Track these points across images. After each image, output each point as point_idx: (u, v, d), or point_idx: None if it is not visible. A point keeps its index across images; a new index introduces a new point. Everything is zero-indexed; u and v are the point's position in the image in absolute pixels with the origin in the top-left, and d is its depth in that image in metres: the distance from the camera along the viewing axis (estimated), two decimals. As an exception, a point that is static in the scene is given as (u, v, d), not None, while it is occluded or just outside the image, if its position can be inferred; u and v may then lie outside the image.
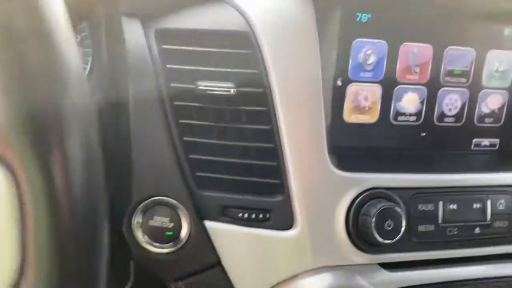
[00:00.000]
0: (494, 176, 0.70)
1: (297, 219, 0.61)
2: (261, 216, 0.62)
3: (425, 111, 0.74)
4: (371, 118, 0.72)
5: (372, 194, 0.62)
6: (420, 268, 0.67)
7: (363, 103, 0.71)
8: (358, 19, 0.67)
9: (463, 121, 0.77)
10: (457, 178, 0.68)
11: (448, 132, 0.76)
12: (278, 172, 0.62)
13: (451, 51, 0.73)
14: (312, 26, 0.61)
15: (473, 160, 0.77)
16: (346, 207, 0.62)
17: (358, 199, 0.62)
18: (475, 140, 0.78)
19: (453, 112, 0.76)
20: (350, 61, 0.68)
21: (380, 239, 0.60)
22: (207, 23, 0.63)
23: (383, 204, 0.60)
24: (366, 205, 0.61)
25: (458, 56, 0.73)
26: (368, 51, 0.69)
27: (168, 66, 0.62)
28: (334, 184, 0.62)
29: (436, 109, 0.75)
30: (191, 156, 0.63)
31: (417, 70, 0.72)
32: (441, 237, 0.66)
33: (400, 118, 0.73)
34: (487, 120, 0.78)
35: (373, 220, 0.60)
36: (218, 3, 0.64)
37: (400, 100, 0.72)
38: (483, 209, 0.68)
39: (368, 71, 0.70)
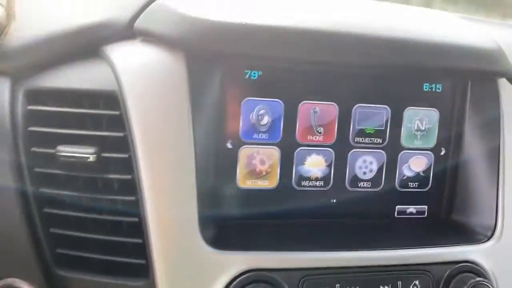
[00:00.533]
0: (410, 253, 0.61)
1: (162, 305, 0.53)
2: (125, 301, 0.54)
3: (334, 175, 0.66)
4: (269, 183, 0.64)
5: (251, 278, 0.54)
6: None
7: (259, 167, 0.64)
8: (247, 76, 0.61)
9: (381, 186, 0.68)
10: (361, 255, 0.59)
11: (365, 199, 0.68)
12: (143, 251, 0.54)
13: (361, 109, 0.66)
14: (184, 85, 0.56)
15: (395, 230, 0.68)
16: (219, 293, 0.53)
17: (234, 283, 0.53)
18: (398, 207, 0.70)
19: (369, 176, 0.68)
20: (241, 121, 0.62)
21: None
22: (77, 82, 0.58)
23: (257, 290, 0.52)
24: (241, 292, 0.53)
25: (370, 115, 0.66)
26: (261, 110, 0.62)
27: (29, 129, 0.57)
28: (206, 266, 0.54)
29: (347, 173, 0.67)
30: (51, 230, 0.56)
31: (321, 130, 0.65)
32: (339, 327, 0.56)
33: (304, 183, 0.65)
34: (411, 184, 0.69)
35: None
36: (94, 60, 0.59)
37: (302, 164, 0.65)
38: (391, 293, 0.59)
39: (263, 132, 0.63)
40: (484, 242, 0.64)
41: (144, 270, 0.55)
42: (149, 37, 0.58)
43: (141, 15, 0.59)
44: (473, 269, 0.61)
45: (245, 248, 0.56)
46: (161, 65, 0.56)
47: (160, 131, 0.54)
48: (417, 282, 0.59)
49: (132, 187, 0.54)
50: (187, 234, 0.54)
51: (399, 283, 0.59)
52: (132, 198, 0.55)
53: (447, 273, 0.60)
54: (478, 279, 0.59)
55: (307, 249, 0.57)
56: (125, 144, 0.55)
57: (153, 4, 0.60)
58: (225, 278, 0.53)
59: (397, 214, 0.70)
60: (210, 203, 0.60)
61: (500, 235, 0.64)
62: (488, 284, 0.59)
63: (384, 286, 0.58)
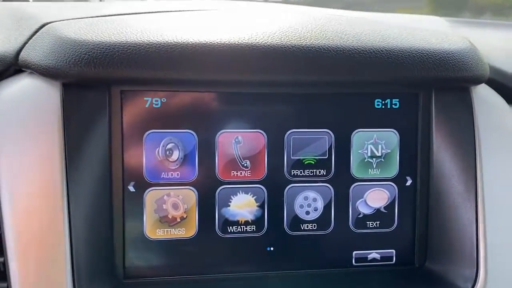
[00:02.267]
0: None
1: None
2: None
3: (269, 218, 0.54)
4: (186, 232, 0.53)
5: None
6: None
7: (171, 213, 0.53)
8: (147, 105, 0.52)
9: (331, 228, 0.55)
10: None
11: (311, 245, 0.55)
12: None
13: (295, 135, 0.54)
14: (55, 120, 0.47)
15: (351, 283, 0.54)
16: None
17: None
18: (356, 253, 0.56)
19: (314, 216, 0.55)
20: (144, 159, 0.52)
21: None
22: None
23: None
24: None
25: (307, 142, 0.54)
26: (169, 144, 0.52)
27: None
28: None
29: (285, 214, 0.55)
30: None
31: (247, 164, 0.54)
32: None
33: (231, 228, 0.54)
34: (370, 224, 0.56)
35: None
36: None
37: (227, 205, 0.54)
38: None
39: (174, 170, 0.52)
40: (460, 298, 0.50)
41: None
42: (29, 69, 0.50)
43: (25, 46, 0.52)
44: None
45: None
46: (32, 101, 0.47)
47: (25, 177, 0.45)
48: None
49: None
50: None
51: None
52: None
53: None
54: None
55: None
56: None
57: (38, 33, 0.52)
58: None
59: (356, 262, 0.56)
60: (104, 259, 0.50)
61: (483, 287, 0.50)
62: None
63: None
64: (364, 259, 0.56)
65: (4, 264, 0.45)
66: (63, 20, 0.53)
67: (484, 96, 0.56)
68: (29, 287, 0.44)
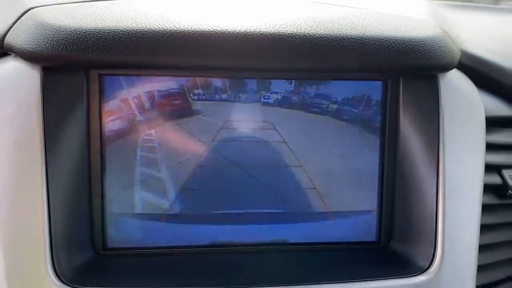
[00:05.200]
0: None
1: None
2: None
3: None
4: (162, 208, 0.57)
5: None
6: None
7: (148, 190, 0.56)
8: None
9: (300, 207, 0.58)
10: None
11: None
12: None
13: (267, 119, 0.56)
14: (35, 98, 0.50)
15: (315, 261, 0.58)
16: None
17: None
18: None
19: (284, 196, 0.58)
20: (123, 139, 0.55)
21: None
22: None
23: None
24: None
25: (278, 125, 0.57)
26: (146, 126, 0.55)
27: None
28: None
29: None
30: None
31: (220, 145, 0.56)
32: None
33: (204, 206, 0.57)
34: (337, 204, 0.59)
35: None
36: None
37: (201, 185, 0.57)
38: None
39: (150, 150, 0.56)
40: (418, 275, 0.53)
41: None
42: (13, 52, 0.53)
43: (10, 30, 0.54)
44: (397, 310, 0.50)
45: (107, 285, 0.48)
46: (13, 84, 0.50)
47: (4, 158, 0.49)
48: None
49: None
50: (35, 270, 0.48)
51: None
52: None
53: (362, 316, 0.50)
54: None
55: (181, 285, 0.49)
56: None
57: (22, 18, 0.54)
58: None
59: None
60: (83, 231, 0.54)
61: (439, 265, 0.53)
62: (411, 331, 0.48)
63: None
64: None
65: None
66: (46, 6, 0.55)
67: (452, 83, 0.57)
68: (8, 260, 0.48)
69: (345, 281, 0.51)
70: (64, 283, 0.48)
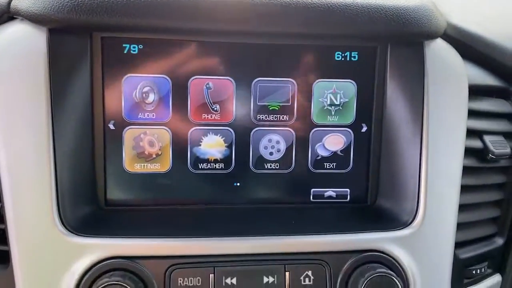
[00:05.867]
0: (302, 240, 0.54)
1: (20, 294, 0.51)
2: (-12, 290, 0.52)
3: (236, 157, 0.61)
4: (161, 167, 0.60)
5: (109, 266, 0.50)
6: None
7: (148, 149, 0.59)
8: (126, 51, 0.57)
9: (292, 168, 0.62)
10: (242, 243, 0.53)
11: (273, 182, 0.62)
12: (4, 236, 0.52)
13: (261, 83, 0.59)
14: (42, 64, 0.52)
15: (305, 216, 0.61)
16: (76, 281, 0.50)
17: (91, 272, 0.50)
18: (314, 191, 0.63)
19: (276, 156, 0.61)
20: (123, 100, 0.58)
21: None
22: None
23: (110, 280, 0.48)
24: (96, 282, 0.49)
25: (272, 90, 0.60)
26: (146, 88, 0.58)
27: None
28: (62, 252, 0.50)
29: (251, 154, 0.61)
30: None
31: (217, 108, 0.59)
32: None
33: (202, 165, 0.60)
34: (327, 165, 0.62)
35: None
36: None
37: (198, 145, 0.60)
38: (279, 285, 0.52)
39: (150, 111, 0.58)
40: (400, 229, 0.56)
41: (4, 256, 0.52)
42: (19, 16, 0.55)
43: None
44: (380, 259, 0.54)
45: (109, 233, 0.51)
46: (20, 45, 0.52)
47: (14, 116, 0.51)
48: (309, 273, 0.53)
49: None
50: (42, 217, 0.51)
51: (288, 274, 0.52)
52: None
53: (347, 263, 0.53)
54: (379, 270, 0.51)
55: (180, 235, 0.52)
56: None
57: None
58: (80, 266, 0.50)
59: (313, 198, 0.63)
60: (87, 186, 0.57)
61: (421, 220, 0.56)
62: (392, 277, 0.51)
63: (268, 277, 0.52)
64: (321, 196, 0.63)
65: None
66: None
67: (437, 51, 0.60)
68: (17, 211, 0.51)
69: (334, 232, 0.55)
70: (69, 231, 0.51)
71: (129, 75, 0.57)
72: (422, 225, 0.56)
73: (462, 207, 0.60)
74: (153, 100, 0.58)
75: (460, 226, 0.60)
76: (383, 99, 0.61)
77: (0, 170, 0.51)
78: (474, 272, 0.61)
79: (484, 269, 0.62)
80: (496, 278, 0.65)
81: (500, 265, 0.66)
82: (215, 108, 0.59)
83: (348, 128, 0.62)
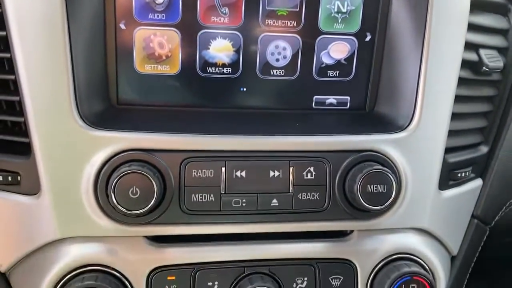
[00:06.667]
0: (306, 139, 0.58)
1: (42, 183, 0.54)
2: (10, 178, 0.55)
3: (244, 62, 0.62)
4: (170, 69, 0.61)
5: (127, 157, 0.53)
6: (202, 245, 0.58)
7: (158, 50, 0.60)
8: None
9: (297, 74, 0.64)
10: (251, 140, 0.56)
11: (278, 88, 0.64)
12: (24, 129, 0.54)
13: (270, -14, 0.60)
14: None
15: (307, 120, 0.64)
16: (96, 171, 0.53)
17: (110, 162, 0.53)
18: (316, 98, 0.66)
19: (282, 63, 0.63)
20: (134, 0, 0.58)
21: (124, 209, 0.51)
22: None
23: (130, 168, 0.51)
24: (116, 170, 0.52)
25: (281, -6, 0.60)
26: (155, -13, 0.58)
27: None
28: (82, 143, 0.53)
29: (258, 59, 0.63)
30: None
31: (226, 11, 0.60)
32: (225, 210, 0.56)
33: (210, 69, 0.62)
34: (330, 73, 0.65)
35: (114, 187, 0.51)
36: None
37: (207, 48, 0.61)
38: (284, 178, 0.57)
39: (160, 12, 0.59)
40: (398, 132, 0.60)
41: (25, 148, 0.55)
42: None
43: None
44: (377, 158, 0.58)
45: (125, 128, 0.54)
46: None
47: (32, 7, 0.51)
48: (311, 169, 0.57)
49: (10, 65, 0.53)
50: (61, 111, 0.52)
51: (292, 169, 0.57)
52: (11, 77, 0.53)
53: (346, 161, 0.58)
54: (375, 167, 0.56)
55: (193, 132, 0.55)
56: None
57: None
58: (101, 156, 0.53)
59: (315, 105, 0.66)
60: (100, 84, 0.58)
61: (417, 125, 0.60)
62: (388, 173, 0.56)
63: (274, 171, 0.56)
64: (323, 103, 0.66)
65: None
66: None
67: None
68: (36, 106, 0.52)
69: (335, 134, 0.58)
70: (88, 124, 0.53)
71: (139, -27, 0.57)
72: (417, 129, 0.60)
73: (454, 116, 0.64)
74: (163, 1, 0.58)
75: (451, 133, 0.64)
76: (388, 8, 0.62)
77: (18, 66, 0.52)
78: (459, 175, 0.66)
79: (468, 173, 0.68)
80: (478, 182, 0.70)
81: (482, 171, 0.71)
82: (224, 11, 0.60)
83: (353, 36, 0.64)
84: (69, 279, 0.54)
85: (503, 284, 1.09)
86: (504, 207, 0.74)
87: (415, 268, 0.59)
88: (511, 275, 1.12)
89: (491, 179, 0.71)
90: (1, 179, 0.55)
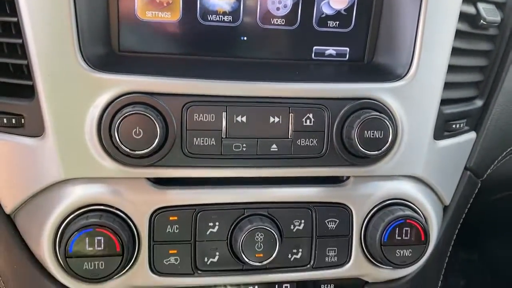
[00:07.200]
0: (305, 87, 0.58)
1: (46, 125, 0.55)
2: (14, 121, 0.56)
3: (244, 10, 0.63)
4: (171, 16, 0.61)
5: (131, 99, 0.54)
6: (203, 187, 0.59)
7: (159, -3, 0.60)
8: None
9: (297, 24, 0.64)
10: (252, 86, 0.57)
11: (278, 37, 0.65)
12: (27, 71, 0.55)
13: None
14: None
15: (305, 69, 0.65)
16: (99, 112, 0.54)
17: (113, 104, 0.54)
18: (316, 48, 0.67)
19: (283, 12, 0.64)
20: None
21: (127, 149, 0.52)
22: None
23: (133, 109, 0.52)
24: (119, 112, 0.53)
25: None
26: None
27: None
28: (86, 85, 0.54)
29: (259, 8, 0.63)
30: None
31: (226, -43, 0.60)
32: (225, 153, 0.57)
33: (210, 17, 0.62)
34: (330, 23, 0.65)
35: (118, 127, 0.52)
36: None
37: (207, -5, 0.61)
38: (283, 124, 0.58)
39: (160, -43, 0.59)
40: (395, 80, 0.61)
41: (28, 91, 0.55)
42: None
43: None
44: (374, 106, 0.60)
45: (128, 71, 0.55)
46: None
47: None
48: (310, 116, 0.58)
49: (13, 9, 0.53)
50: (64, 53, 0.53)
51: (291, 115, 0.58)
52: (14, 19, 0.53)
53: (345, 108, 0.59)
54: (373, 113, 0.57)
55: (195, 77, 0.56)
56: None
57: None
58: (104, 98, 0.54)
59: (315, 56, 0.67)
60: (102, 29, 0.59)
61: (414, 74, 0.61)
62: (385, 120, 0.57)
63: (274, 117, 0.58)
64: (322, 54, 0.67)
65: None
66: None
67: None
68: (41, 47, 0.53)
69: (334, 82, 0.59)
70: (91, 67, 0.54)
71: None
72: (414, 79, 0.61)
73: (451, 68, 0.65)
74: None
75: (447, 85, 0.65)
76: None
77: (20, 8, 0.52)
78: (454, 126, 0.68)
79: (463, 125, 0.70)
80: (471, 135, 0.72)
81: (476, 124, 0.73)
82: (224, -42, 0.60)
83: (354, -14, 0.64)
84: (73, 218, 0.56)
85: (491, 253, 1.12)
86: (496, 161, 0.76)
87: (409, 212, 0.61)
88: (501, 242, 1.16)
89: (485, 132, 0.73)
90: (5, 121, 0.56)
